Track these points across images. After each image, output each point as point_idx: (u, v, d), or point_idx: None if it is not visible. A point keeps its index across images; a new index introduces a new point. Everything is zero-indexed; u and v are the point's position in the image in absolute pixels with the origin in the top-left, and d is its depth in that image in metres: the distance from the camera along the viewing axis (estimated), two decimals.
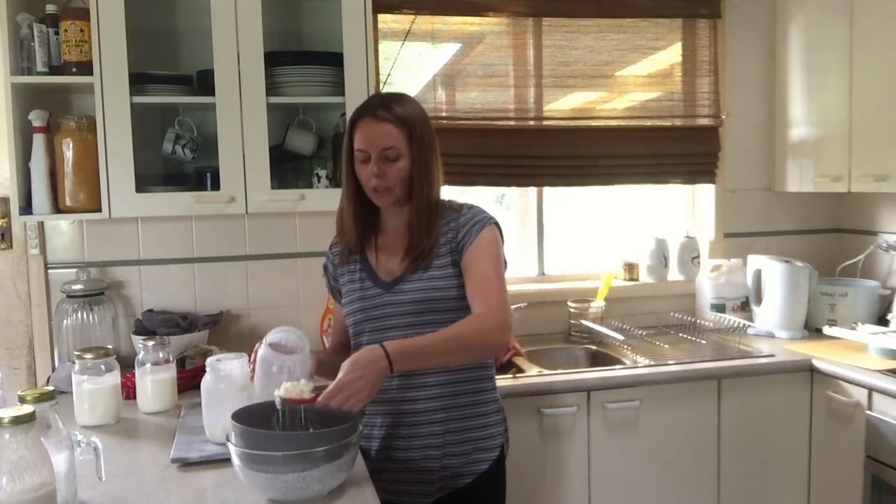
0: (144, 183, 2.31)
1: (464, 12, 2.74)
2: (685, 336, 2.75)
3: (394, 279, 1.69)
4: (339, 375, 1.43)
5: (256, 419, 1.43)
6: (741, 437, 2.44)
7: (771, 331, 2.77)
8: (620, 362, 2.51)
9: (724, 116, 3.00)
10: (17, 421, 1.12)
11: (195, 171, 2.46)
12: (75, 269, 2.47)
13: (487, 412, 1.74)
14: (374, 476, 1.59)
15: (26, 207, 2.21)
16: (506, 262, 1.74)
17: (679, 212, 3.18)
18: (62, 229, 2.50)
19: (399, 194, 1.66)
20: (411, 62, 2.75)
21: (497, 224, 1.72)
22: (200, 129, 2.42)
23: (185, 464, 1.54)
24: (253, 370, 1.62)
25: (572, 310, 2.82)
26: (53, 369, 2.36)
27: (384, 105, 1.65)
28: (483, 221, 1.68)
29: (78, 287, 2.39)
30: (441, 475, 1.69)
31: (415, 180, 1.65)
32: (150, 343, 1.95)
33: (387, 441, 1.70)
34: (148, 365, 1.93)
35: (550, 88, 2.86)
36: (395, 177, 1.64)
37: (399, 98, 1.70)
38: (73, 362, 1.86)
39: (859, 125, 2.58)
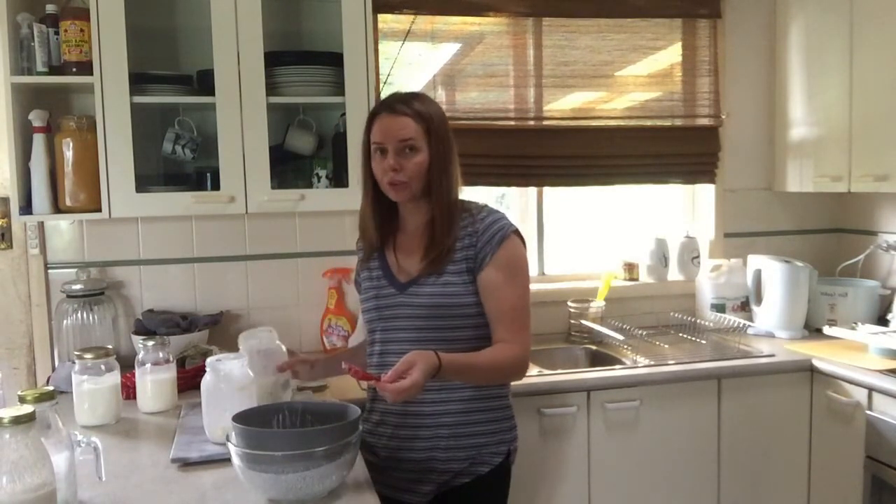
0: (144, 183, 2.31)
1: (464, 12, 2.74)
2: (685, 336, 2.75)
3: (409, 281, 1.69)
4: (410, 371, 1.42)
5: (257, 420, 1.43)
6: (741, 437, 2.44)
7: (771, 331, 2.77)
8: (620, 362, 2.51)
9: (724, 116, 3.00)
10: (17, 421, 1.12)
11: (195, 171, 2.46)
12: (75, 269, 2.47)
13: (496, 418, 1.73)
14: (380, 473, 1.59)
15: (26, 207, 2.21)
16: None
17: (679, 212, 3.18)
18: (62, 229, 2.50)
19: (416, 189, 1.65)
20: (411, 62, 2.75)
21: (517, 231, 1.70)
22: (200, 129, 2.42)
23: (185, 464, 1.54)
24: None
25: (572, 310, 2.82)
26: (53, 369, 2.36)
27: (402, 100, 1.66)
28: (503, 232, 1.66)
29: (78, 287, 2.39)
30: (442, 477, 1.69)
31: (433, 175, 1.65)
32: (150, 343, 1.95)
33: (394, 441, 1.71)
34: (148, 365, 1.93)
35: (550, 88, 2.86)
36: (412, 170, 1.63)
37: (418, 95, 1.72)
38: (73, 362, 1.85)
39: (859, 125, 2.58)
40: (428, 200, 1.68)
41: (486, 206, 1.75)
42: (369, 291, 1.75)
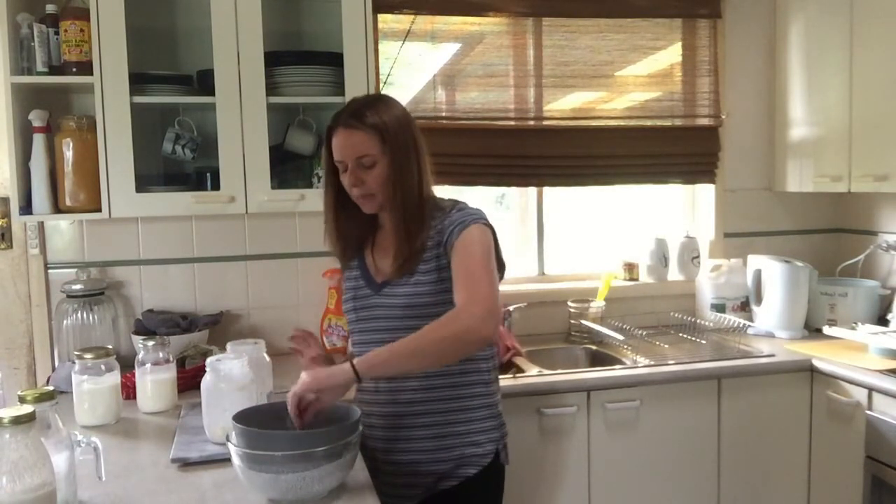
0: (144, 183, 2.32)
1: (464, 12, 2.74)
2: (685, 336, 2.74)
3: (384, 281, 1.68)
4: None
5: (257, 420, 1.43)
6: (741, 437, 2.44)
7: (771, 331, 2.77)
8: (620, 362, 2.51)
9: (724, 116, 3.00)
10: (17, 421, 1.12)
11: (195, 171, 2.46)
12: (75, 269, 2.47)
13: (478, 417, 1.70)
14: (370, 477, 1.59)
15: (26, 207, 2.21)
16: (503, 263, 1.71)
17: (679, 212, 3.18)
18: (62, 229, 2.50)
19: (383, 199, 1.65)
20: (411, 62, 2.75)
21: (487, 223, 1.66)
22: (200, 129, 2.42)
23: (185, 464, 1.54)
24: None
25: (572, 310, 2.82)
26: (53, 369, 2.36)
27: (355, 114, 1.64)
28: (468, 221, 1.63)
29: (78, 287, 2.39)
30: (427, 479, 1.68)
31: (391, 185, 1.63)
32: (150, 343, 1.95)
33: (380, 443, 1.70)
34: (148, 365, 1.93)
35: (550, 88, 2.86)
36: (373, 183, 1.63)
37: (373, 103, 1.68)
38: (73, 362, 1.85)
39: (859, 125, 2.58)
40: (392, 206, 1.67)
41: (459, 202, 1.71)
42: (349, 292, 1.76)
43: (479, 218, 1.65)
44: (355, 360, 1.49)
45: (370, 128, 1.61)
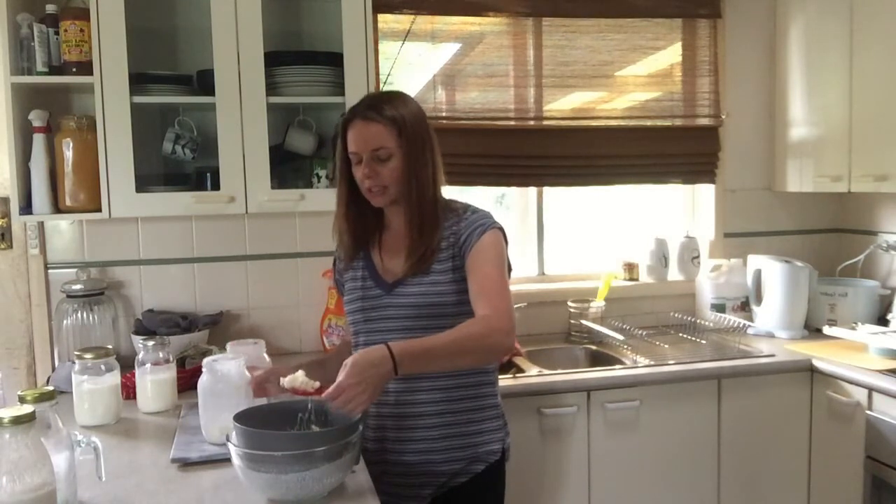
0: (144, 183, 2.32)
1: (464, 12, 2.74)
2: (685, 336, 2.74)
3: (395, 280, 1.68)
4: (340, 376, 1.39)
5: (257, 420, 1.43)
6: (741, 437, 2.44)
7: (771, 331, 2.77)
8: (620, 362, 2.51)
9: (724, 116, 3.00)
10: (17, 421, 1.12)
11: (195, 171, 2.46)
12: (75, 269, 2.47)
13: (487, 417, 1.72)
14: (377, 479, 1.59)
15: (26, 207, 2.21)
16: (510, 267, 1.72)
17: (679, 212, 3.18)
18: (62, 229, 2.50)
19: (395, 193, 1.65)
20: (411, 62, 2.75)
21: (501, 229, 1.69)
22: (200, 129, 2.42)
23: (185, 464, 1.54)
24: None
25: (572, 310, 2.82)
26: (53, 369, 2.36)
27: (373, 106, 1.64)
28: (486, 225, 1.66)
29: (78, 287, 2.39)
30: (440, 479, 1.68)
31: (406, 179, 1.64)
32: (150, 343, 1.95)
33: (385, 444, 1.70)
34: (148, 365, 1.93)
35: (550, 88, 2.86)
36: (388, 177, 1.63)
37: (390, 97, 1.69)
38: (73, 362, 1.85)
39: (859, 125, 2.58)
40: (406, 203, 1.67)
41: (471, 205, 1.73)
42: (354, 292, 1.73)
43: (494, 223, 1.68)
44: (394, 351, 1.42)
45: (388, 120, 1.62)
